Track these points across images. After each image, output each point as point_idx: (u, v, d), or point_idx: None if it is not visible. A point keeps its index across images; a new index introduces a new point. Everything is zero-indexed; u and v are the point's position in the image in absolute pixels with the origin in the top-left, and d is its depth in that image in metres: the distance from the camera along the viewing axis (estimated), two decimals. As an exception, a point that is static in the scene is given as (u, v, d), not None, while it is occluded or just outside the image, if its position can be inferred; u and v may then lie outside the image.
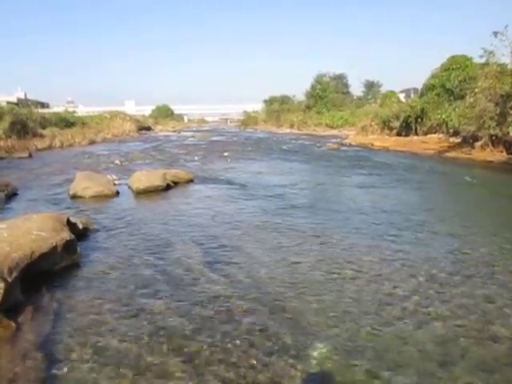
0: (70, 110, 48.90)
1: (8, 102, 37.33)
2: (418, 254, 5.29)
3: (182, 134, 42.87)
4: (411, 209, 7.96)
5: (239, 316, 3.74)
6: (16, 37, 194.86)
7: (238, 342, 3.32)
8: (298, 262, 5.07)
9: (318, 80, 51.68)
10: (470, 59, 24.81)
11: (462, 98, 20.70)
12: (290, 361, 3.05)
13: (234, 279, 4.55)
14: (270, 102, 63.48)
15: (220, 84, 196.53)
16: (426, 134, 23.96)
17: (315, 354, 3.13)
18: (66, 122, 33.16)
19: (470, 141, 18.09)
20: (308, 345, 3.25)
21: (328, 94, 49.86)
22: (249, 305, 3.94)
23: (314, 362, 3.05)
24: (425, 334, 3.43)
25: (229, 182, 11.18)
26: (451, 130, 20.96)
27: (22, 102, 44.33)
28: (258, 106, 68.41)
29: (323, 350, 3.18)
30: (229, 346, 3.27)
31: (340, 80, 54.31)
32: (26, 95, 61.59)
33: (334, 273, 4.72)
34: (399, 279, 4.54)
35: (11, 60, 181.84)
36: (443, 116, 21.98)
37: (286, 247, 5.63)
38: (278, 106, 58.24)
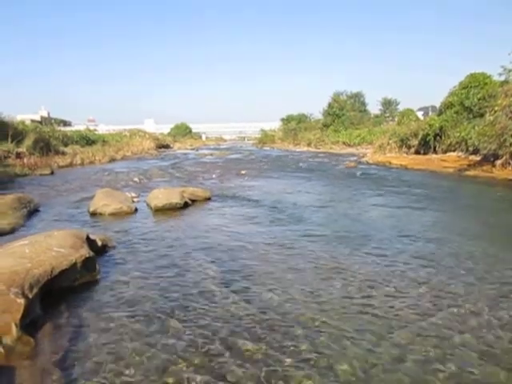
0: (91, 128, 50.23)
1: (32, 121, 38.42)
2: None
3: (200, 151, 43.32)
4: (436, 232, 7.82)
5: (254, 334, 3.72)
6: (41, 58, 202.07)
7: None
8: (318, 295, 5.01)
9: (335, 98, 51.87)
10: (489, 77, 24.63)
11: (481, 115, 20.52)
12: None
13: (251, 304, 4.51)
14: (287, 120, 63.91)
15: (237, 103, 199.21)
16: (444, 152, 23.70)
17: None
18: (87, 139, 34.01)
19: (490, 159, 17.81)
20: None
21: (345, 112, 49.92)
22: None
23: None
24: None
25: (246, 201, 11.17)
26: (471, 148, 20.70)
27: (45, 121, 45.78)
28: (276, 125, 68.84)
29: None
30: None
31: (357, 98, 54.43)
32: (49, 114, 63.33)
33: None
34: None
35: (36, 80, 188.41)
36: (462, 134, 21.75)
37: (311, 282, 5.43)
38: (295, 125, 58.54)
